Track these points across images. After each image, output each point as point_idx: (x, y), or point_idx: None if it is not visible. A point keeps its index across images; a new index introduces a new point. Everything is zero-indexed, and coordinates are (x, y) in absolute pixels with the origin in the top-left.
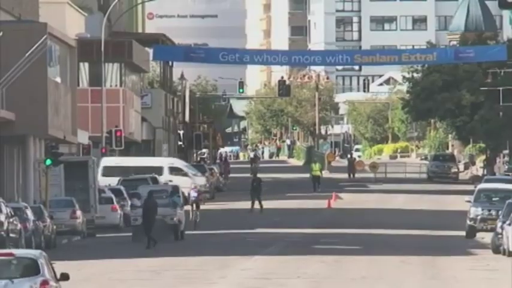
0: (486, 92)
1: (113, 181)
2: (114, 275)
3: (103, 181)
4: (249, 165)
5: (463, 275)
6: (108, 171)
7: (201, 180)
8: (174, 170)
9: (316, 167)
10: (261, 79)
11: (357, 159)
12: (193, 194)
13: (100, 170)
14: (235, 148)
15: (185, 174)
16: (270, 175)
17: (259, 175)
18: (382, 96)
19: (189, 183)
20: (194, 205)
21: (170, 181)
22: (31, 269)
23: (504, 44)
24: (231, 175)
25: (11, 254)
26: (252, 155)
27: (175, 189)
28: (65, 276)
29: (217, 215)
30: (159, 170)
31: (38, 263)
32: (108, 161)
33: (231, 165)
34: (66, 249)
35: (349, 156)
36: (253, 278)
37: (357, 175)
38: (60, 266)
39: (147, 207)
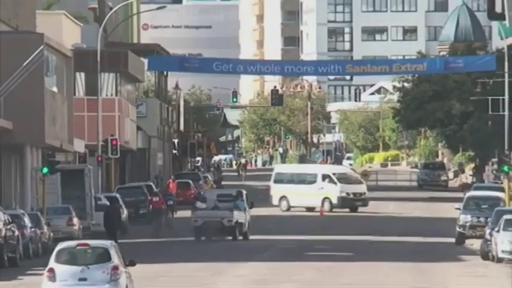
0: (475, 102)
1: (284, 188)
2: None
3: (274, 187)
4: (235, 174)
5: (453, 281)
6: (280, 178)
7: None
8: (327, 177)
9: None
10: (254, 89)
11: (348, 167)
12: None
13: (272, 177)
14: (229, 156)
15: (333, 182)
16: (263, 183)
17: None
18: (373, 105)
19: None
20: None
21: (321, 188)
22: (103, 256)
23: (493, 55)
24: (223, 182)
25: (86, 245)
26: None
27: (239, 193)
28: (132, 263)
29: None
30: (326, 177)
31: (109, 251)
32: (280, 168)
33: (224, 173)
34: None
35: (341, 164)
36: (246, 284)
37: None
38: None
39: (108, 213)
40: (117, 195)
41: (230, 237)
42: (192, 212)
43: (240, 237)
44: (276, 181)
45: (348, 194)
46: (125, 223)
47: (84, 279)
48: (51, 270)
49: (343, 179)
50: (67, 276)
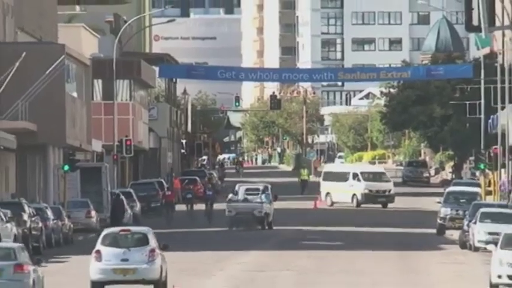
0: (454, 106)
1: (328, 185)
2: None
3: (322, 184)
4: (235, 171)
5: (435, 267)
6: (327, 176)
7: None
8: (356, 176)
9: (304, 172)
10: (254, 94)
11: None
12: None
13: (322, 175)
14: (232, 155)
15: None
16: (263, 179)
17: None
18: (362, 109)
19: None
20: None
21: (351, 185)
22: (142, 240)
23: (470, 63)
24: (226, 179)
25: (128, 230)
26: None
27: (266, 188)
28: (165, 246)
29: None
30: (355, 175)
31: (147, 236)
32: (327, 167)
33: (227, 170)
34: (82, 245)
35: (333, 162)
36: (248, 271)
37: None
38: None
39: (114, 206)
40: (131, 191)
41: (259, 227)
42: (227, 204)
43: (266, 227)
44: (324, 179)
45: (371, 191)
46: (137, 215)
47: (126, 260)
48: (98, 251)
49: (371, 177)
50: (111, 257)
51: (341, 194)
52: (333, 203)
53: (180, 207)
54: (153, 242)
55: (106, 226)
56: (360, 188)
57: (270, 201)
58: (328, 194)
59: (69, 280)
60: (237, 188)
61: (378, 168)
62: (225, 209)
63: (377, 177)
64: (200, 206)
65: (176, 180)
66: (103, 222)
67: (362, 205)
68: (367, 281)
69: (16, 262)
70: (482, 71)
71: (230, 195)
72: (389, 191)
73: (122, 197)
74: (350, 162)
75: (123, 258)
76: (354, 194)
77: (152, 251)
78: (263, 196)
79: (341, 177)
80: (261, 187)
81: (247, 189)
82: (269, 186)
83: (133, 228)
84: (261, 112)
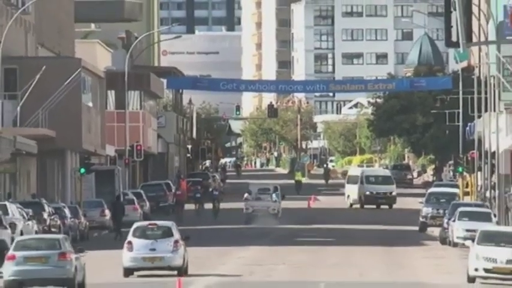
0: (435, 115)
1: (348, 187)
2: None
3: (346, 187)
4: (234, 173)
5: (417, 261)
6: (351, 180)
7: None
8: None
9: (298, 174)
10: (253, 103)
11: (331, 168)
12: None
13: (346, 178)
14: (233, 159)
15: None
16: (261, 181)
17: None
18: (351, 117)
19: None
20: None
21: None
22: (168, 233)
23: (450, 76)
24: (227, 180)
25: (155, 224)
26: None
27: (275, 188)
28: (187, 238)
29: (222, 212)
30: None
31: (171, 229)
32: (350, 171)
33: (228, 173)
34: (97, 241)
35: (325, 165)
36: (247, 265)
37: (330, 181)
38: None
39: (115, 208)
40: (141, 191)
41: (275, 225)
42: (244, 202)
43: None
44: (347, 182)
45: (371, 192)
46: (147, 214)
47: (154, 250)
48: (130, 242)
49: (376, 180)
50: (141, 247)
51: (353, 195)
52: (351, 204)
53: (186, 206)
54: (176, 234)
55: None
56: (362, 190)
57: (279, 200)
58: (348, 196)
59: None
60: (250, 188)
61: (383, 171)
62: (230, 207)
63: (381, 180)
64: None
65: (183, 182)
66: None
67: (365, 206)
68: (355, 273)
69: (60, 251)
70: (460, 83)
71: (246, 195)
72: (391, 193)
73: (144, 197)
74: (340, 166)
75: (151, 248)
76: (360, 196)
77: (176, 241)
78: (274, 195)
79: (356, 180)
80: (271, 187)
81: (259, 189)
82: (278, 186)
83: (159, 222)
84: (259, 120)
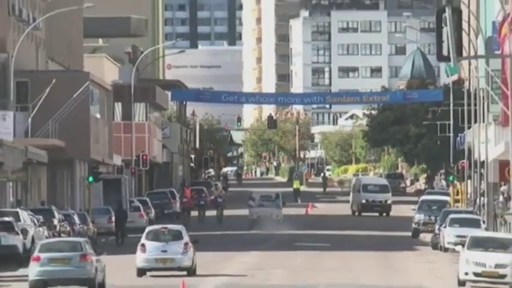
0: (427, 126)
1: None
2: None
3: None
4: (235, 182)
5: (411, 266)
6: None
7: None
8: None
9: (297, 182)
10: (254, 115)
11: (328, 177)
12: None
13: (352, 187)
14: (234, 168)
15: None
16: (261, 189)
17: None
18: (347, 128)
19: None
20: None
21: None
22: (178, 236)
23: (441, 89)
24: (229, 189)
25: (166, 228)
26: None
27: (277, 195)
28: (195, 241)
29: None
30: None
31: (181, 232)
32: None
33: (230, 182)
34: (104, 246)
35: (323, 174)
36: (248, 269)
37: (328, 189)
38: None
39: (118, 215)
40: (147, 199)
41: (277, 231)
42: (248, 209)
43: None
44: (352, 190)
45: (367, 200)
46: (153, 220)
47: (165, 251)
48: (143, 245)
49: (373, 189)
50: (153, 249)
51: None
52: (354, 212)
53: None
54: (186, 237)
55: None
56: (359, 198)
57: (281, 207)
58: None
59: None
60: (253, 195)
61: (381, 180)
62: (232, 214)
63: (377, 188)
64: (209, 212)
65: (188, 190)
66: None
67: (362, 213)
68: (352, 276)
69: (82, 253)
70: (451, 96)
71: (250, 202)
72: (386, 201)
73: (150, 204)
74: (336, 174)
75: (163, 250)
76: (358, 204)
77: (186, 244)
78: (277, 202)
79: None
80: (273, 195)
81: (261, 196)
82: (280, 193)
83: (170, 226)
84: (259, 131)
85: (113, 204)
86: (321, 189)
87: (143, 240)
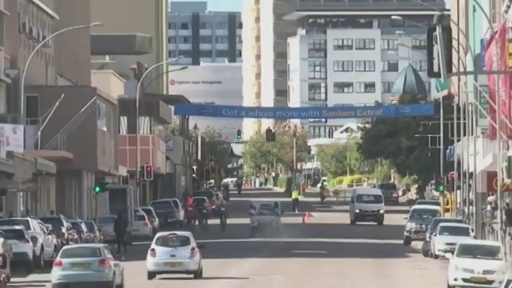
0: (418, 138)
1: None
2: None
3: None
4: (236, 192)
5: (402, 272)
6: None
7: None
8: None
9: (295, 193)
10: (253, 128)
11: (325, 187)
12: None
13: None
14: (234, 179)
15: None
16: (260, 199)
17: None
18: (342, 141)
19: None
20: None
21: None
22: (185, 241)
23: (432, 103)
24: (230, 198)
25: (175, 234)
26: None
27: (276, 204)
28: (202, 246)
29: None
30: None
31: (189, 238)
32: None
33: (230, 191)
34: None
35: (321, 185)
36: (249, 274)
37: (325, 199)
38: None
39: (118, 223)
40: (151, 208)
41: (278, 239)
42: (250, 217)
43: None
44: (352, 200)
45: (360, 210)
46: (156, 229)
47: (174, 256)
48: (153, 249)
49: (367, 199)
50: (162, 253)
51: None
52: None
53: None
54: (193, 243)
55: (130, 238)
56: (353, 208)
57: (280, 215)
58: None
59: None
60: (254, 204)
61: (375, 191)
62: (234, 223)
63: (372, 199)
64: (211, 221)
65: (190, 199)
66: (128, 234)
67: (356, 222)
68: (347, 283)
69: (101, 258)
70: (441, 110)
71: (251, 210)
72: (378, 211)
73: (154, 213)
74: (332, 185)
75: (171, 254)
76: (351, 213)
77: (193, 249)
78: (276, 210)
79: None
80: (272, 204)
81: (261, 205)
82: (279, 203)
83: (179, 232)
84: (258, 143)
85: (118, 212)
86: (318, 199)
87: (153, 246)
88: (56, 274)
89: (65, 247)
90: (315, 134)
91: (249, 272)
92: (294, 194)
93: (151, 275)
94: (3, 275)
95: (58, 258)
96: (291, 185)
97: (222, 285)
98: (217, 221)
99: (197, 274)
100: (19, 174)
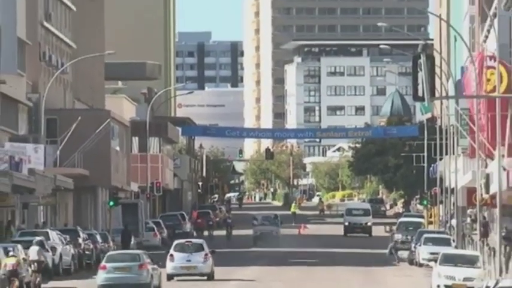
0: (404, 157)
1: None
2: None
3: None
4: (237, 205)
5: (390, 279)
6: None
7: None
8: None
9: (294, 207)
10: (253, 147)
11: (321, 201)
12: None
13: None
14: (236, 194)
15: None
16: (260, 212)
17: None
18: (335, 159)
19: None
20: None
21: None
22: (200, 248)
23: (416, 125)
24: (232, 212)
25: (190, 241)
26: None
27: (276, 216)
28: (213, 252)
29: (223, 239)
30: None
31: (202, 245)
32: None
33: (232, 205)
34: None
35: (320, 198)
36: (249, 281)
37: (315, 212)
38: None
39: (124, 234)
40: (160, 221)
41: (278, 248)
42: (252, 227)
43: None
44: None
45: (350, 223)
46: (165, 239)
47: (189, 260)
48: (172, 255)
49: (356, 213)
50: (180, 258)
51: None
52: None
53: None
54: (206, 249)
55: (142, 248)
56: (344, 221)
57: (279, 225)
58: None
59: None
60: (256, 216)
61: (364, 205)
62: (237, 234)
63: (361, 212)
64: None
65: (195, 213)
66: (139, 244)
67: (347, 234)
68: (340, 287)
69: (140, 262)
70: (425, 131)
71: (254, 221)
72: (366, 223)
73: (163, 225)
74: (325, 199)
75: (187, 259)
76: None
77: (206, 254)
78: (276, 222)
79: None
80: (272, 216)
81: (263, 217)
82: (278, 215)
83: (194, 240)
84: (258, 161)
85: (130, 225)
86: (313, 212)
87: (172, 251)
88: (101, 277)
89: (109, 253)
90: (310, 153)
91: (250, 278)
92: (293, 208)
93: (170, 277)
94: (38, 279)
95: (103, 263)
96: (290, 200)
97: (232, 286)
98: (222, 232)
99: (210, 276)
100: (40, 189)
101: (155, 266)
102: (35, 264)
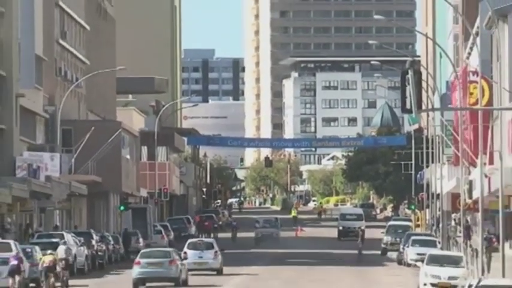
0: (394, 165)
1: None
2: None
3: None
4: (238, 210)
5: (380, 278)
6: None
7: None
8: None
9: (294, 211)
10: (254, 156)
11: (315, 206)
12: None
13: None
14: (238, 199)
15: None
16: (259, 215)
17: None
18: (329, 167)
19: None
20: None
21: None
22: (210, 246)
23: (404, 135)
24: (233, 215)
25: (201, 240)
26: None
27: (276, 219)
28: (222, 249)
29: (226, 241)
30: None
31: (213, 244)
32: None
33: (233, 210)
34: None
35: (319, 203)
36: (250, 280)
37: (310, 216)
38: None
39: (124, 237)
40: (167, 224)
41: (276, 246)
42: (254, 229)
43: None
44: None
45: (344, 227)
46: (172, 241)
47: (201, 257)
48: (185, 252)
49: (350, 217)
50: (193, 255)
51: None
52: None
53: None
54: (216, 247)
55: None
56: (338, 225)
57: (279, 228)
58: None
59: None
60: (258, 219)
61: (357, 210)
62: (239, 236)
63: (354, 217)
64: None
65: (197, 217)
66: (148, 246)
67: (341, 238)
68: (335, 285)
69: (170, 259)
70: (413, 141)
71: (256, 224)
72: (359, 228)
73: (170, 228)
74: (321, 204)
75: (199, 256)
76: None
77: (216, 252)
78: (276, 224)
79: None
80: (273, 219)
81: (264, 220)
82: (278, 218)
83: (205, 239)
84: (258, 169)
85: (140, 228)
86: (310, 216)
87: (185, 249)
88: (135, 271)
89: (142, 250)
90: (306, 161)
91: (248, 277)
92: (293, 213)
93: None
94: (66, 276)
95: (137, 259)
96: (288, 205)
97: (239, 280)
98: (225, 234)
99: (219, 271)
100: (56, 195)
101: (184, 262)
102: (63, 262)
